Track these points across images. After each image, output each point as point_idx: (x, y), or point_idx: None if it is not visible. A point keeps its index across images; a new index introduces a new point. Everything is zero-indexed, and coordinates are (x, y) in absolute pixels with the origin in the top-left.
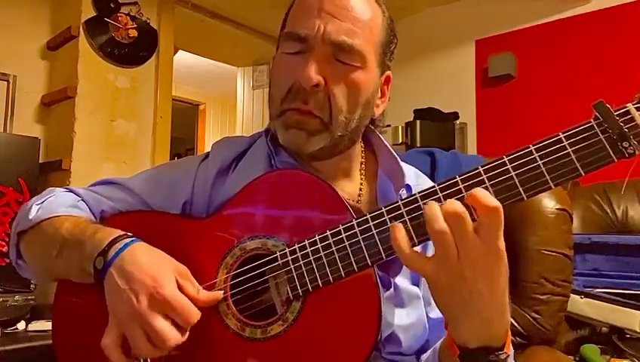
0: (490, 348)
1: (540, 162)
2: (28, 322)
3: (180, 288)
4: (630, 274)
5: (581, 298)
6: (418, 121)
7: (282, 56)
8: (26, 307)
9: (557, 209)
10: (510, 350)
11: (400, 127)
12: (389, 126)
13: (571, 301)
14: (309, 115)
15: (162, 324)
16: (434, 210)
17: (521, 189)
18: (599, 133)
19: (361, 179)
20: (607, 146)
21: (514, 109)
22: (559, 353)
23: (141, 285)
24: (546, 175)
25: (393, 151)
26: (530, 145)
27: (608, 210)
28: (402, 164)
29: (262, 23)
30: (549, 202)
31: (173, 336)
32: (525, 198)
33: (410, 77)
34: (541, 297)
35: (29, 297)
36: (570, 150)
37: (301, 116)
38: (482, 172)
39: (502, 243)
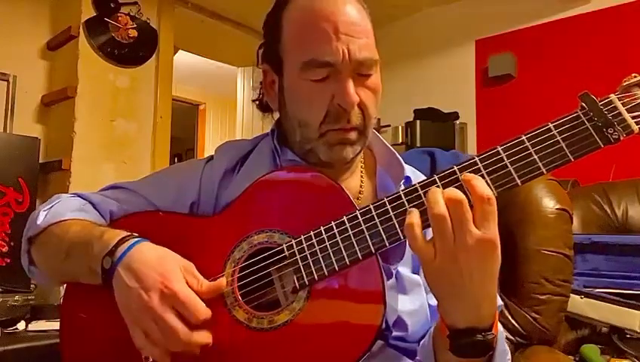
0: (477, 329)
1: (532, 150)
2: (28, 322)
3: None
4: (630, 274)
5: (581, 298)
6: (418, 121)
7: (308, 83)
8: (26, 307)
9: (557, 209)
10: (498, 331)
11: (400, 127)
12: (389, 126)
13: (571, 301)
14: (351, 130)
15: (173, 319)
16: (436, 196)
17: (515, 176)
18: (585, 121)
19: (362, 174)
20: (594, 133)
21: (514, 109)
22: (559, 353)
23: (150, 282)
24: (538, 162)
25: (388, 145)
26: (522, 135)
27: (608, 210)
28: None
29: (262, 23)
30: (549, 202)
31: (183, 331)
32: (520, 184)
33: (410, 77)
34: (541, 297)
35: (29, 297)
36: (559, 138)
37: (345, 134)
38: (478, 161)
39: (496, 232)
